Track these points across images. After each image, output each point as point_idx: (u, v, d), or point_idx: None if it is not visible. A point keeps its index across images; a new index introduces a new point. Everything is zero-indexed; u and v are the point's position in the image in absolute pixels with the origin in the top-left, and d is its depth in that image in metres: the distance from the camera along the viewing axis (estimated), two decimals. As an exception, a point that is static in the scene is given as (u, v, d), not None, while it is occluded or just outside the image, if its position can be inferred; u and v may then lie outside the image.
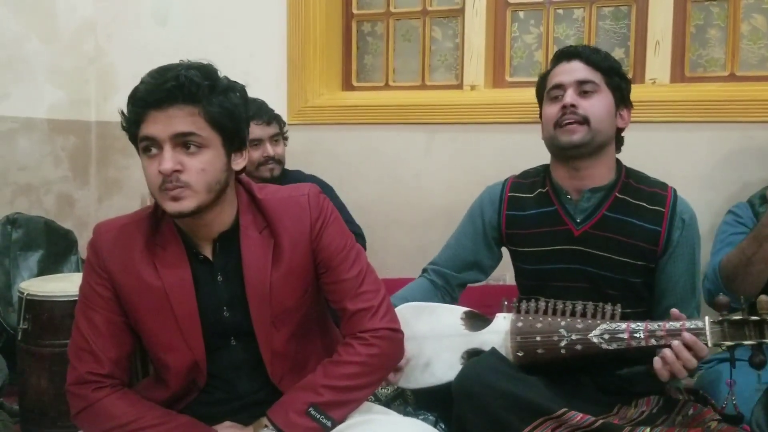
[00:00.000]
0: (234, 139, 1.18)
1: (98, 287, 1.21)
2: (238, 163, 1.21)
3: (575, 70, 1.54)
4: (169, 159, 1.10)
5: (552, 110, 1.55)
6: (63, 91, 2.75)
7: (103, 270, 1.21)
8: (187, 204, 1.12)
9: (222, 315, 1.23)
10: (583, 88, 1.53)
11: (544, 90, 1.60)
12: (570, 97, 1.52)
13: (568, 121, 1.51)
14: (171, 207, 1.12)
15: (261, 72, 2.59)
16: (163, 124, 1.11)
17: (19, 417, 1.90)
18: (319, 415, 1.16)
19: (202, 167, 1.12)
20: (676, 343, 1.32)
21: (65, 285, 1.91)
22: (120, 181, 2.88)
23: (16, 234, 2.27)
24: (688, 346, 1.31)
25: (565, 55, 1.58)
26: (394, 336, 1.27)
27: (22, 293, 1.85)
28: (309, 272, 1.25)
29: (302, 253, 1.24)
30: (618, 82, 1.56)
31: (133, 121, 1.14)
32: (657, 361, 1.33)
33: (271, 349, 1.22)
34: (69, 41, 2.76)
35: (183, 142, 1.12)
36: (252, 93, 2.32)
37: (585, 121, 1.51)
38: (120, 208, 2.87)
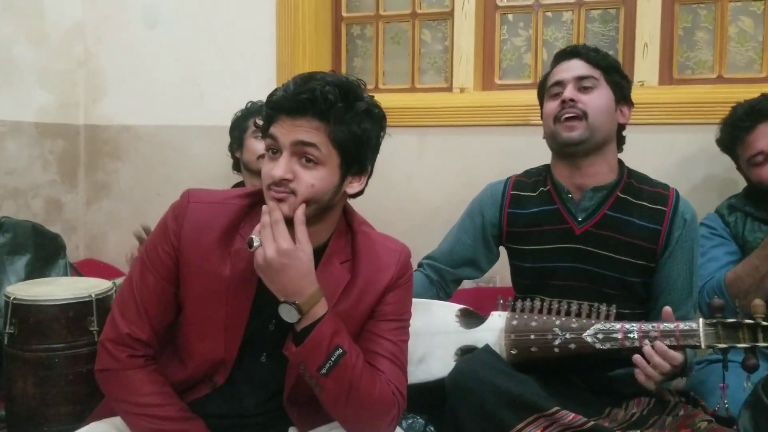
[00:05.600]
0: (353, 163, 1.17)
1: (163, 253, 1.20)
2: (353, 186, 1.21)
3: (575, 68, 1.56)
4: (282, 166, 1.12)
5: (552, 105, 1.57)
6: (52, 94, 2.73)
7: (176, 238, 1.19)
8: (286, 209, 1.13)
9: (267, 328, 1.21)
10: (582, 84, 1.54)
11: (545, 90, 1.62)
12: (569, 91, 1.53)
13: (567, 116, 1.52)
14: (271, 206, 1.14)
15: (250, 74, 2.59)
16: (288, 129, 1.13)
17: (6, 422, 1.88)
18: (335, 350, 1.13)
19: (312, 182, 1.13)
20: (647, 348, 1.33)
21: (52, 289, 1.89)
22: (108, 184, 2.86)
23: (3, 238, 2.24)
24: (659, 353, 1.33)
25: (565, 54, 1.61)
26: (394, 408, 1.21)
27: (9, 297, 1.82)
28: (363, 321, 1.24)
29: (368, 302, 1.23)
30: (618, 79, 1.58)
31: (265, 121, 1.17)
32: (638, 373, 1.34)
33: (297, 376, 1.19)
34: (58, 44, 2.74)
35: (302, 152, 1.12)
36: (241, 95, 2.35)
37: (584, 115, 1.52)
38: (108, 212, 2.85)
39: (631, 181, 1.59)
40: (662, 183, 1.61)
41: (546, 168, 1.67)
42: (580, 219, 1.57)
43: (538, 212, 1.62)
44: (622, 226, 1.54)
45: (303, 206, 1.13)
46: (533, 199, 1.63)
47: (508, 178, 1.71)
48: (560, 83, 1.57)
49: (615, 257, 1.54)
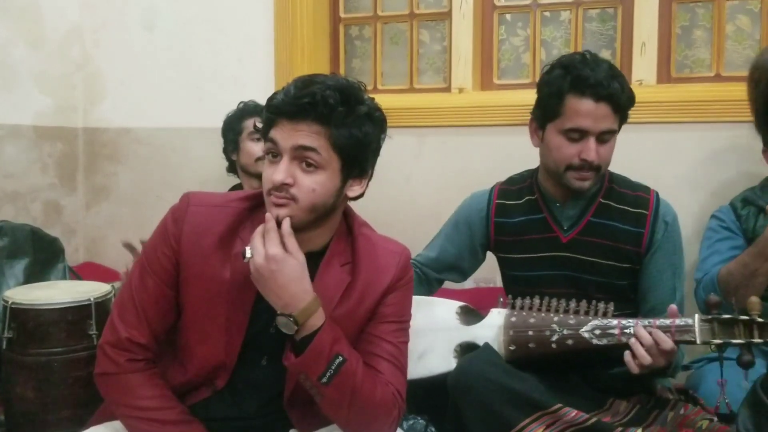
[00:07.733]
0: (354, 167, 1.17)
1: (162, 257, 1.20)
2: (354, 190, 1.20)
3: (601, 118, 1.48)
4: (282, 171, 1.12)
5: (569, 151, 1.51)
6: (50, 98, 2.73)
7: (176, 242, 1.19)
8: (285, 214, 1.13)
9: (268, 331, 1.20)
10: (603, 138, 1.50)
11: (557, 103, 1.50)
12: (593, 152, 1.48)
13: (583, 176, 1.51)
14: (272, 211, 1.13)
15: (249, 77, 2.59)
16: (288, 133, 1.12)
17: (5, 427, 1.88)
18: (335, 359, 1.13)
19: (313, 187, 1.13)
20: (632, 341, 1.34)
21: (51, 293, 1.89)
22: (108, 187, 2.86)
23: (1, 242, 2.24)
24: (644, 345, 1.33)
25: (594, 93, 1.47)
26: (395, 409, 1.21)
27: (7, 301, 1.83)
28: (364, 323, 1.24)
29: (368, 304, 1.23)
30: (627, 117, 1.55)
31: (265, 124, 1.16)
32: (627, 354, 1.35)
33: (298, 380, 1.18)
34: (56, 47, 2.74)
35: (302, 156, 1.12)
36: (240, 96, 2.35)
37: (598, 169, 1.52)
38: (108, 215, 2.85)
39: (612, 185, 1.60)
40: (643, 185, 1.62)
41: (531, 174, 1.68)
42: (565, 227, 1.59)
43: (525, 221, 1.63)
44: (606, 232, 1.56)
45: (288, 219, 1.12)
46: (519, 208, 1.65)
47: (492, 187, 1.72)
48: (582, 132, 1.49)
49: (601, 262, 1.56)
